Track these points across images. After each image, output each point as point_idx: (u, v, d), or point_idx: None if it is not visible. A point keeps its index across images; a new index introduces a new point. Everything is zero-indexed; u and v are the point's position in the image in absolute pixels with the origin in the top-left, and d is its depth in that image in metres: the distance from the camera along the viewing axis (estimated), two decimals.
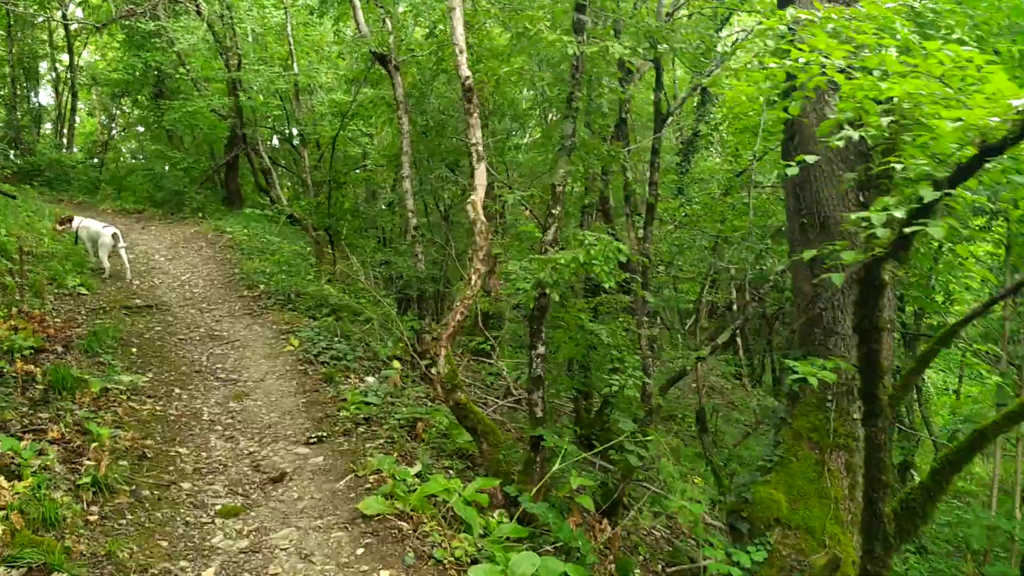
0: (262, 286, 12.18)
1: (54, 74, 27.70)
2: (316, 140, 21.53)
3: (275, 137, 25.62)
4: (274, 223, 18.18)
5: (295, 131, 21.67)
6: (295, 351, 9.22)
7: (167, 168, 21.75)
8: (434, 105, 12.07)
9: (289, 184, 27.74)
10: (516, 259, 11.84)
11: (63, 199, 21.60)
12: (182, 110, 19.94)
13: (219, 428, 6.90)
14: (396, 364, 8.36)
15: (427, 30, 12.32)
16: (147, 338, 9.63)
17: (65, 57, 26.49)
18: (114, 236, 12.33)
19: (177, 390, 7.90)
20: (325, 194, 14.65)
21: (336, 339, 9.54)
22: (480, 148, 6.27)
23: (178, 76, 22.66)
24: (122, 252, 12.49)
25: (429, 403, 8.20)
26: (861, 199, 5.53)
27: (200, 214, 19.54)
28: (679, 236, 10.51)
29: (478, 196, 6.22)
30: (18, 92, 25.17)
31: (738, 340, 16.69)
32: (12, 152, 24.55)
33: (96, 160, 26.42)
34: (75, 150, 28.27)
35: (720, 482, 11.03)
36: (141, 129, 29.18)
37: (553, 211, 6.03)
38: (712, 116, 16.01)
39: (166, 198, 20.43)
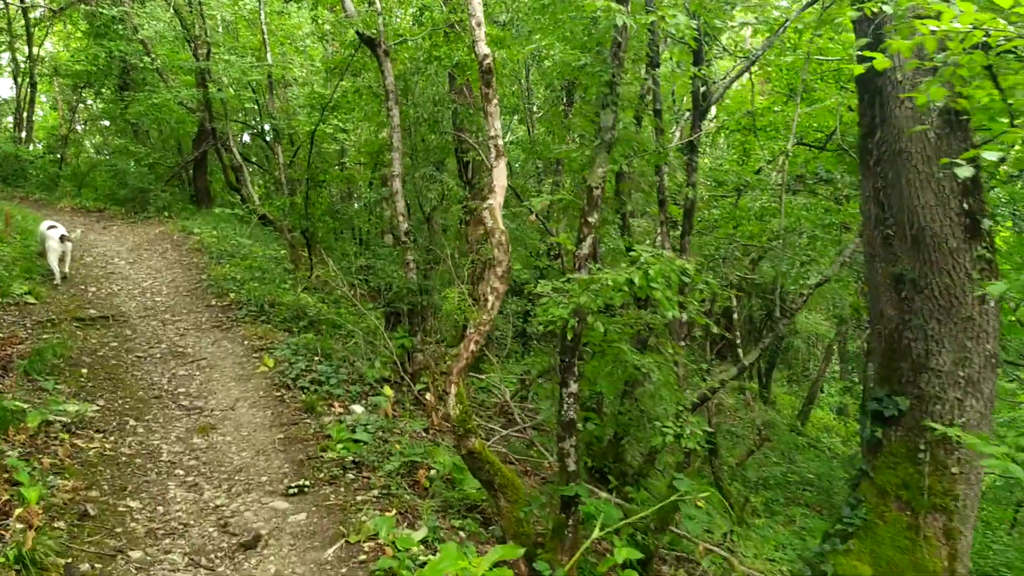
0: (232, 295, 11.05)
1: (12, 64, 26.17)
2: (290, 136, 20.40)
3: (246, 133, 24.43)
4: (245, 223, 17.02)
5: (267, 126, 20.52)
6: (270, 373, 8.14)
7: (131, 164, 20.41)
8: (426, 95, 11.03)
9: (261, 183, 26.50)
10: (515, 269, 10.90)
11: (19, 196, 20.22)
12: (147, 102, 18.66)
13: (180, 472, 5.81)
14: (387, 391, 7.32)
15: (416, 11, 11.27)
16: (100, 356, 8.49)
17: (25, 47, 25.07)
18: (62, 239, 11.21)
19: (132, 421, 6.79)
20: (301, 193, 13.54)
21: (316, 358, 8.47)
22: (500, 142, 5.25)
23: (144, 67, 21.39)
24: (66, 251, 11.32)
25: (425, 435, 7.17)
26: (965, 206, 4.60)
27: (166, 213, 18.28)
28: (710, 243, 9.57)
29: (496, 200, 5.21)
30: None
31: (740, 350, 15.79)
32: None
33: (55, 155, 24.95)
34: (36, 145, 26.79)
35: (732, 510, 10.16)
36: (106, 123, 27.78)
37: (589, 218, 5.03)
38: (714, 115, 15.14)
39: (129, 196, 19.12)
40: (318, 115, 12.23)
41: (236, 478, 5.76)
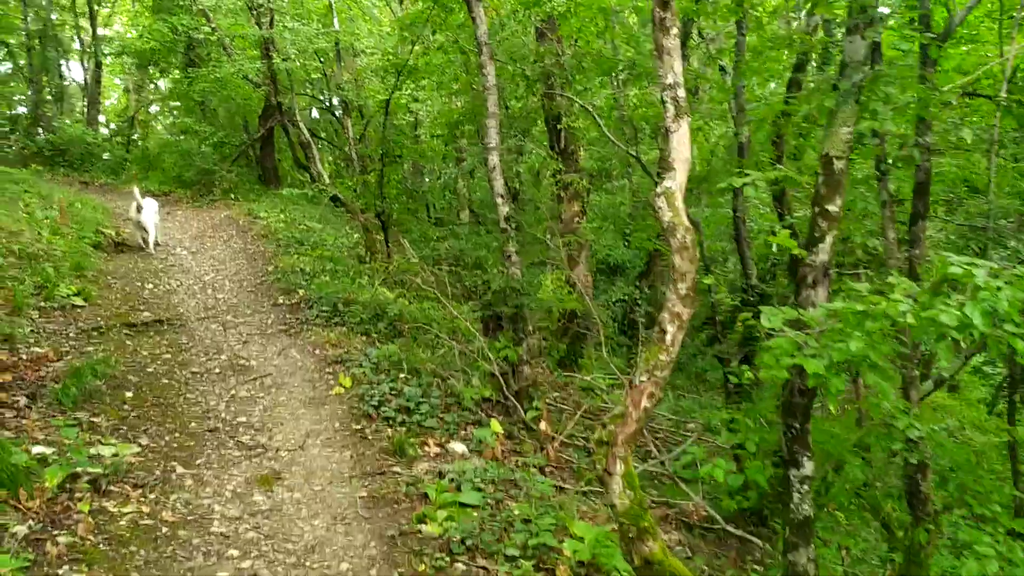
0: (301, 291, 9.66)
1: (78, 45, 25.48)
2: (360, 108, 19.00)
3: (314, 108, 23.18)
4: (315, 204, 15.73)
5: (336, 99, 19.18)
6: (347, 395, 6.68)
7: (197, 145, 19.34)
8: (514, 51, 9.36)
9: (331, 159, 25.30)
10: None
11: (86, 181, 19.42)
12: (210, 77, 17.47)
13: (234, 553, 4.37)
14: (495, 425, 5.75)
15: None
16: (150, 373, 7.17)
17: (89, 26, 24.29)
18: (137, 208, 11.78)
19: (179, 469, 5.41)
20: (375, 171, 12.10)
21: (402, 376, 6.97)
22: (681, 94, 3.52)
23: (207, 40, 20.26)
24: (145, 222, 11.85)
25: (543, 474, 5.59)
26: None
27: (232, 196, 17.13)
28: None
29: (677, 181, 3.51)
30: (38, 65, 23.01)
31: None
32: (33, 131, 22.47)
33: (123, 138, 24.22)
34: (107, 128, 26.17)
35: None
36: (176, 104, 26.95)
37: (828, 206, 3.32)
38: None
39: (195, 178, 18.04)
40: (392, 81, 10.68)
41: (307, 563, 4.28)
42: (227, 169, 18.05)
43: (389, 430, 5.98)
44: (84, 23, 24.81)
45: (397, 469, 5.41)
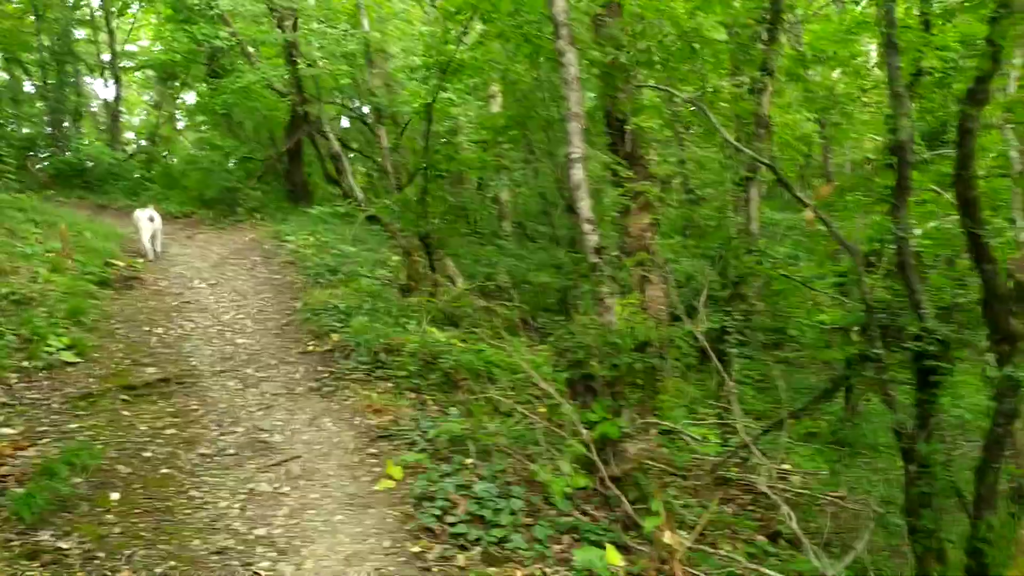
0: (335, 335, 8.09)
1: (97, 60, 24.34)
2: (393, 115, 17.48)
3: (344, 117, 21.75)
4: (348, 222, 14.21)
5: (367, 107, 17.70)
6: (398, 494, 5.06)
7: (219, 161, 17.98)
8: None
9: (363, 170, 23.85)
10: None
11: (104, 204, 18.15)
12: (233, 87, 16.07)
13: None
14: (611, 555, 4.07)
15: None
16: (146, 459, 5.62)
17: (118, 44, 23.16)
18: (150, 218, 12.24)
19: None
20: (415, 185, 10.56)
21: (469, 462, 5.34)
22: None
23: (229, 48, 18.92)
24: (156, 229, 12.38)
25: None
26: None
27: (257, 215, 15.71)
28: None
29: None
30: (55, 82, 21.87)
31: None
32: (48, 150, 21.35)
33: (143, 156, 23.00)
34: (123, 146, 25.00)
35: None
36: (203, 118, 25.72)
37: None
38: None
39: (217, 197, 16.64)
40: (434, 82, 9.08)
41: None
42: (252, 186, 16.63)
43: (460, 555, 4.33)
44: (105, 37, 23.69)
45: None
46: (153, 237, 12.33)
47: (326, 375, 7.35)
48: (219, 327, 8.97)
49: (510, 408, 6.40)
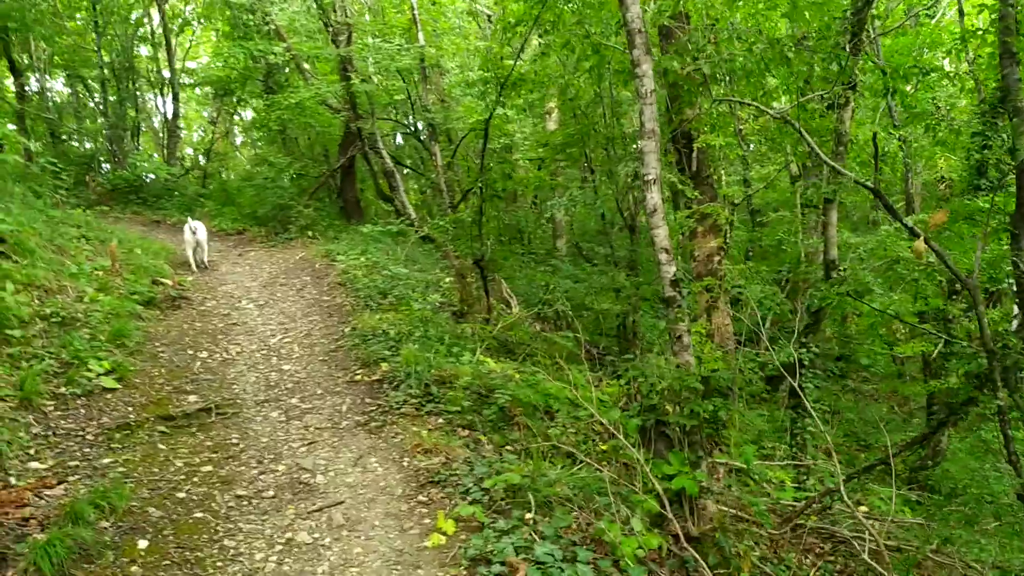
0: (384, 364, 7.63)
1: (157, 76, 24.61)
2: (447, 132, 17.15)
3: (398, 134, 21.54)
4: (400, 241, 13.83)
5: (420, 124, 17.39)
6: (450, 548, 4.53)
7: (272, 177, 17.83)
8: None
9: (415, 187, 23.60)
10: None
11: (158, 220, 18.13)
12: (287, 103, 15.90)
13: None
14: None
15: None
16: (180, 500, 5.21)
17: (178, 61, 23.38)
18: (192, 230, 12.28)
19: None
20: (470, 205, 10.12)
21: (528, 516, 4.78)
22: None
23: (284, 64, 18.88)
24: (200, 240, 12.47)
25: None
26: None
27: (309, 233, 15.44)
28: None
29: None
30: (113, 98, 22.12)
31: None
32: (107, 165, 21.55)
33: (199, 172, 23.09)
34: (181, 162, 25.18)
35: None
36: (260, 134, 25.80)
37: None
38: None
39: (270, 214, 16.45)
40: (493, 97, 8.62)
41: None
42: (305, 203, 16.40)
43: None
44: (163, 55, 23.93)
45: None
46: (197, 248, 12.46)
47: (374, 408, 6.88)
48: (265, 351, 8.60)
49: (572, 450, 5.84)
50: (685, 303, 4.98)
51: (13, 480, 5.13)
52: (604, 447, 6.67)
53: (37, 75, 21.36)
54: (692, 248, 11.24)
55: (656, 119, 4.90)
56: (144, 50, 24.18)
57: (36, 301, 8.32)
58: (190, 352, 8.35)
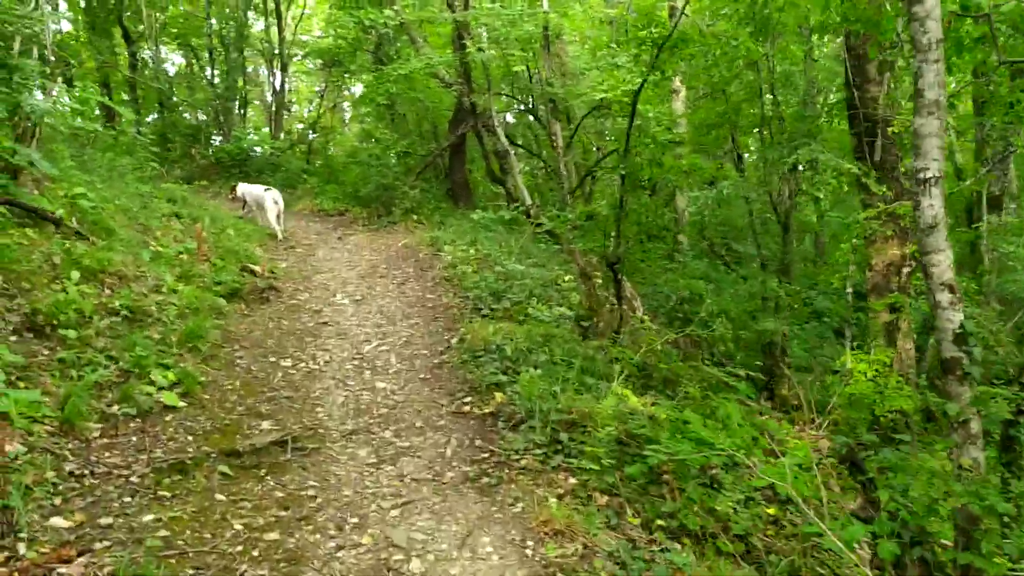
0: (499, 394, 6.16)
1: (267, 47, 23.94)
2: (566, 110, 15.55)
3: (508, 113, 20.03)
4: (513, 230, 12.37)
5: (534, 101, 15.85)
6: None
7: (376, 155, 16.67)
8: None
9: (526, 169, 22.10)
10: None
11: None
12: (396, 74, 14.62)
13: None
14: None
15: None
16: None
17: (287, 33, 22.62)
18: (275, 201, 12.54)
19: None
20: (583, 191, 8.49)
21: None
22: None
23: (396, 37, 17.66)
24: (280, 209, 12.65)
25: None
26: None
27: (414, 216, 14.19)
28: None
29: None
30: (222, 70, 21.51)
31: None
32: (214, 138, 20.98)
33: (303, 147, 22.26)
34: (289, 136, 24.52)
35: None
36: (368, 109, 24.85)
37: None
38: None
39: (373, 194, 15.28)
40: (642, 68, 6.93)
41: None
42: (410, 184, 15.15)
43: None
44: (275, 29, 23.21)
45: None
46: (279, 216, 12.60)
47: (486, 455, 5.41)
48: (357, 362, 7.28)
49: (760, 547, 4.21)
50: (977, 371, 3.23)
51: (23, 549, 3.90)
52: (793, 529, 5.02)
53: (149, 44, 20.95)
54: (869, 256, 9.34)
55: (943, 84, 3.16)
56: (260, 24, 23.58)
57: (106, 292, 7.26)
58: (271, 359, 7.12)
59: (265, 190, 12.82)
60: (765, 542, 4.67)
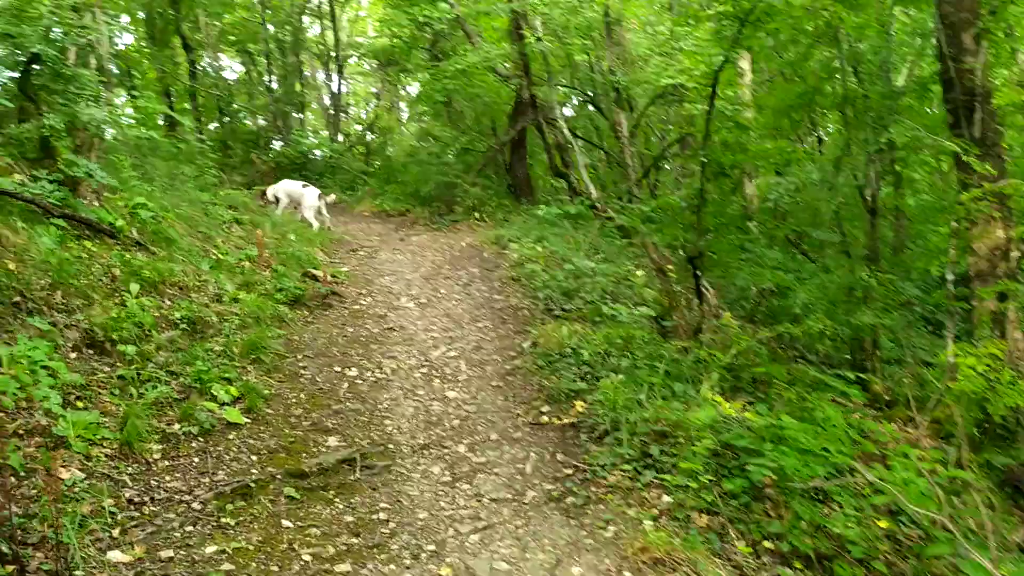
0: (578, 403, 5.71)
1: (323, 51, 23.90)
2: (628, 101, 14.99)
3: (567, 107, 19.50)
4: (580, 226, 11.87)
5: (598, 90, 15.30)
6: None
7: (436, 153, 16.37)
8: None
9: (587, 161, 21.55)
10: None
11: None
12: (452, 69, 14.27)
13: None
14: None
15: None
16: None
17: (341, 34, 22.55)
18: (320, 196, 12.72)
19: None
20: (648, 181, 7.94)
21: None
22: None
23: (452, 34, 17.32)
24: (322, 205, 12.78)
25: None
26: None
27: (476, 214, 13.82)
28: None
29: None
30: (279, 73, 21.53)
31: None
32: (273, 143, 21.00)
33: (362, 149, 22.13)
34: (348, 138, 24.45)
35: None
36: (425, 108, 24.61)
37: None
38: None
39: (433, 193, 14.96)
40: (722, 47, 6.38)
41: None
42: (471, 181, 14.79)
43: None
44: (330, 33, 23.14)
45: None
46: (319, 213, 12.71)
47: (570, 471, 4.98)
48: (426, 370, 6.91)
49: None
50: None
51: None
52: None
53: (208, 52, 21.07)
54: (972, 240, 8.55)
55: None
56: (315, 28, 23.57)
57: (166, 303, 7.06)
58: (336, 369, 6.80)
59: (303, 186, 12.99)
60: (892, 569, 4.11)
